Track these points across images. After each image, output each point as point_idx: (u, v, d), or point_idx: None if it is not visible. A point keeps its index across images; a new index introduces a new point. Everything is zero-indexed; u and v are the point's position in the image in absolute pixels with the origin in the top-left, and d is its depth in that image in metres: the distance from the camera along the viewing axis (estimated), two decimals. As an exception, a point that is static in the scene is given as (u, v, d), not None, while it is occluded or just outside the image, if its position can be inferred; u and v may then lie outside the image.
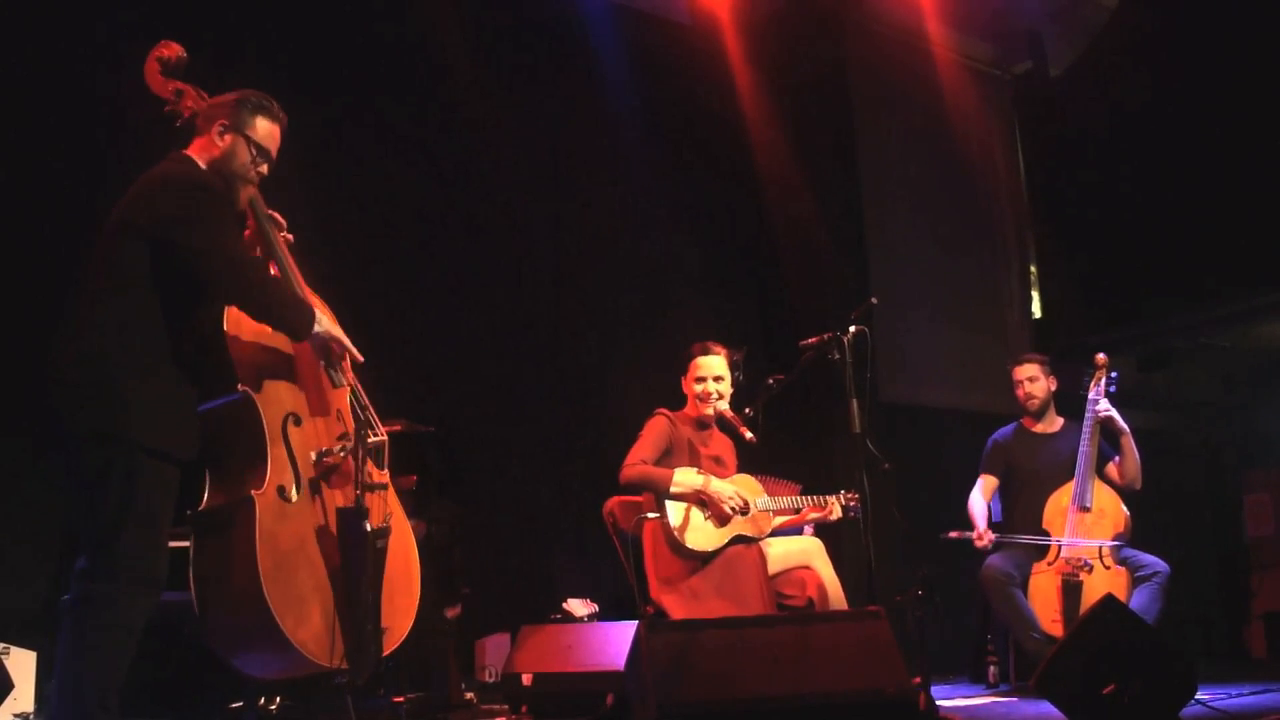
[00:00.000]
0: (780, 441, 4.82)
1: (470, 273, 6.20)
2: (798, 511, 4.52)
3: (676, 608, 4.12)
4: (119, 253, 3.01)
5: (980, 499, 5.32)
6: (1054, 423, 5.42)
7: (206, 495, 3.22)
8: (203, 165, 3.17)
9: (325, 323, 3.26)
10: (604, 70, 6.72)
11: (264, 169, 3.27)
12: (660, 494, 4.25)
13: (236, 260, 3.08)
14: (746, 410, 4.44)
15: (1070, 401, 5.31)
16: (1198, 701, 3.62)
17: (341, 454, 3.25)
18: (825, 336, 4.18)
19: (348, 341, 3.33)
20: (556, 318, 6.55)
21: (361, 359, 3.37)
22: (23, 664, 3.94)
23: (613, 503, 4.44)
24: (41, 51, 4.81)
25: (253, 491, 3.08)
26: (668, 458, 4.38)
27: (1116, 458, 5.21)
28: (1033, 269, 8.23)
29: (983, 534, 5.12)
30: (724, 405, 4.51)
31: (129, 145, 3.77)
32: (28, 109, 4.75)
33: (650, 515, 4.26)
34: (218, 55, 4.73)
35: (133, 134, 3.66)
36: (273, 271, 3.36)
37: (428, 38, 6.05)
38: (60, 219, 4.53)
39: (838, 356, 4.09)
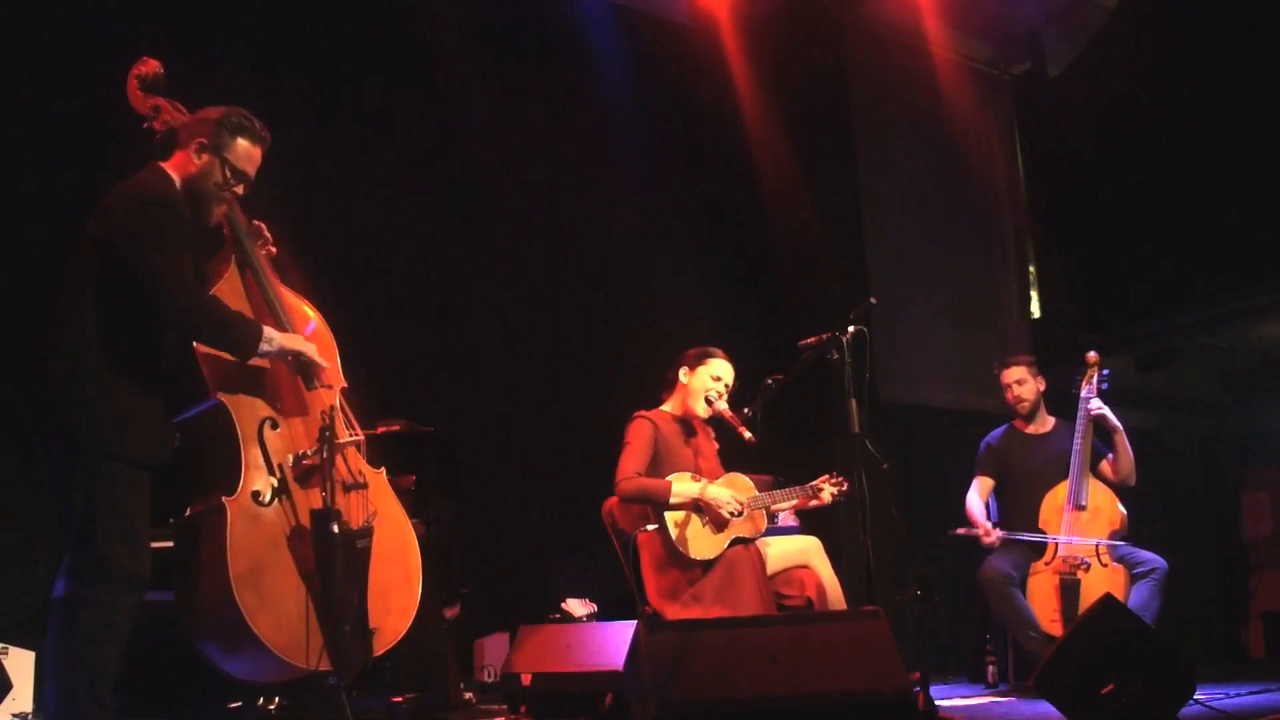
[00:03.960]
0: (779, 442, 4.82)
1: (469, 272, 6.20)
2: (791, 503, 4.52)
3: (679, 616, 4.09)
4: (86, 262, 3.06)
5: (978, 499, 5.31)
6: (1045, 423, 5.42)
7: (189, 503, 3.25)
8: (177, 179, 3.19)
9: (277, 339, 3.23)
10: (603, 70, 6.71)
11: (238, 189, 3.27)
12: (659, 506, 4.24)
13: (175, 282, 3.06)
14: (745, 410, 4.44)
15: (1067, 401, 5.30)
16: (1196, 701, 3.62)
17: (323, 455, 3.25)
18: (824, 336, 4.18)
19: (310, 353, 3.30)
20: (555, 317, 6.56)
21: (325, 364, 3.36)
22: (21, 664, 3.94)
23: (612, 502, 4.44)
24: (40, 55, 4.81)
25: (224, 498, 3.11)
26: (656, 461, 4.37)
27: (1110, 455, 5.20)
28: (1031, 269, 8.23)
29: (990, 530, 5.12)
30: (723, 405, 4.52)
31: (131, 147, 3.76)
32: (29, 110, 4.75)
33: (649, 527, 4.25)
34: (214, 53, 4.76)
35: (129, 140, 3.66)
36: (250, 281, 3.36)
37: (426, 38, 6.05)
38: (66, 222, 4.52)
39: (836, 356, 4.09)
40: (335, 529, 3.11)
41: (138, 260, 3.01)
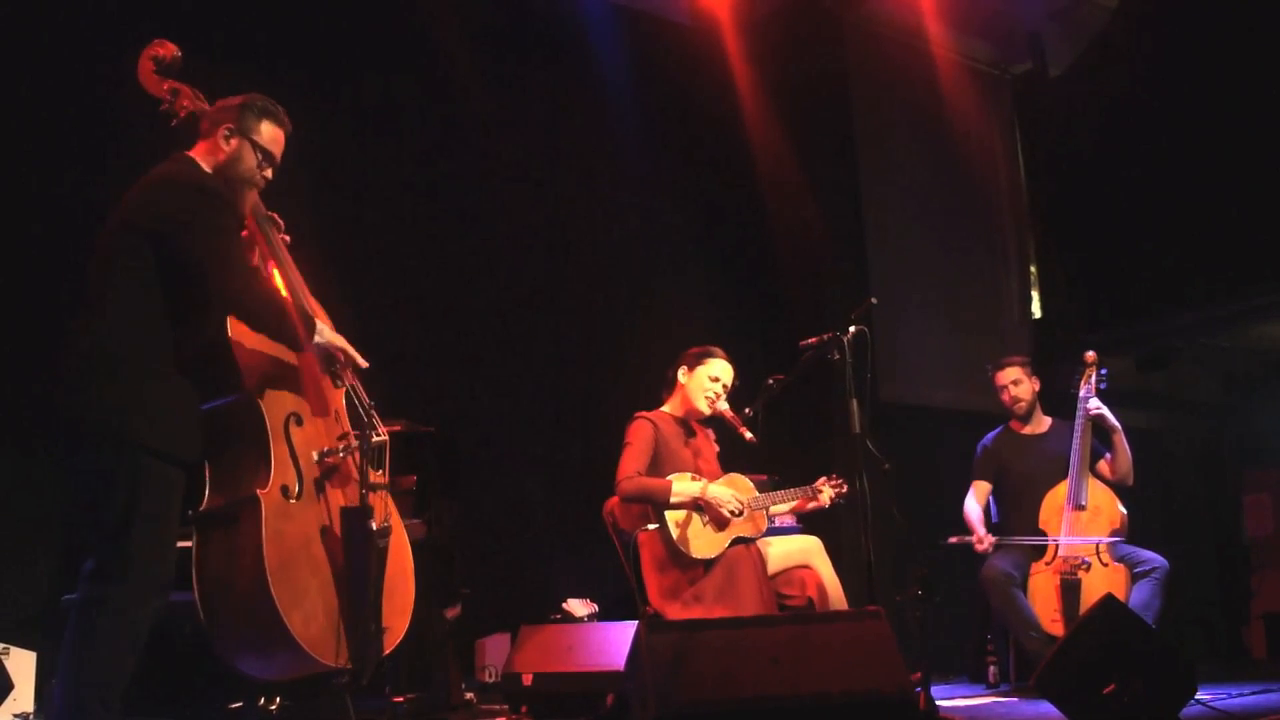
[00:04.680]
0: (780, 442, 4.82)
1: (469, 272, 6.20)
2: (791, 504, 4.53)
3: (680, 616, 4.09)
4: (121, 253, 3.00)
5: (975, 505, 5.31)
6: (1041, 423, 5.41)
7: (208, 495, 3.22)
8: (206, 168, 3.16)
9: (327, 332, 3.26)
10: (604, 70, 6.71)
11: (268, 173, 3.26)
12: (660, 505, 4.24)
13: (234, 268, 3.06)
14: (746, 410, 4.44)
15: (1067, 401, 5.30)
16: (1198, 701, 3.62)
17: (342, 454, 3.27)
18: (825, 336, 4.17)
19: (350, 349, 3.33)
20: (555, 317, 6.56)
21: (365, 364, 3.37)
22: (23, 664, 3.94)
23: (612, 503, 4.44)
24: (41, 51, 4.81)
25: (258, 491, 3.08)
26: (656, 461, 4.38)
27: (1108, 454, 5.20)
28: (1032, 269, 8.23)
29: (983, 537, 5.12)
30: (723, 405, 4.52)
31: (130, 145, 3.76)
32: (29, 109, 4.75)
33: (650, 526, 4.25)
34: (214, 51, 4.75)
35: (134, 133, 3.65)
36: (275, 272, 3.36)
37: (427, 38, 6.05)
38: (64, 221, 4.53)
39: (837, 357, 4.09)
40: (371, 526, 3.11)
41: (192, 249, 2.98)
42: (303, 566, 3.11)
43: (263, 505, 3.05)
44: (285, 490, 3.14)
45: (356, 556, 3.12)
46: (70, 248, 3.40)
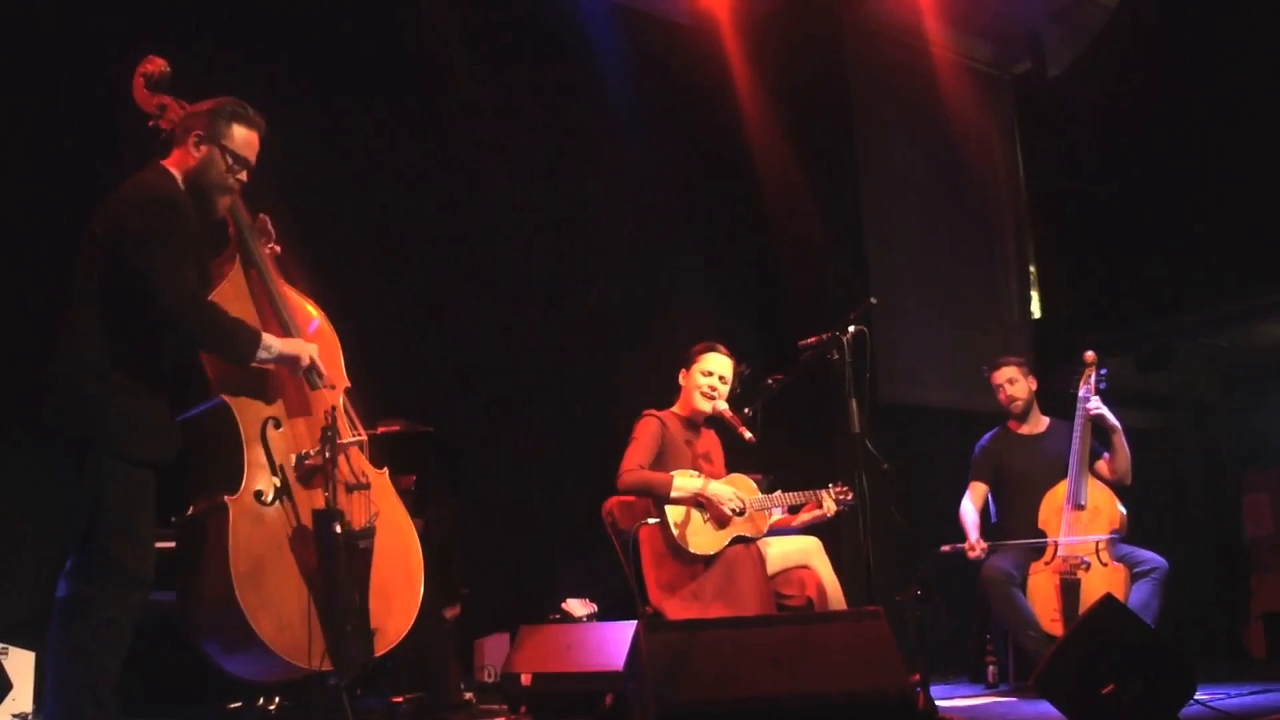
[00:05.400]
0: (779, 442, 4.82)
1: (470, 273, 6.21)
2: (794, 509, 4.52)
3: (678, 613, 4.11)
4: (92, 262, 3.05)
5: (971, 508, 5.30)
6: (1039, 423, 5.41)
7: (190, 502, 3.25)
8: (179, 176, 3.18)
9: (276, 347, 3.22)
10: (604, 70, 6.71)
11: (242, 176, 3.27)
12: (660, 499, 4.25)
13: (175, 285, 3.03)
14: (746, 410, 4.44)
15: (1066, 401, 5.29)
16: (1197, 701, 3.62)
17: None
18: (824, 336, 4.17)
19: (309, 356, 3.29)
20: (556, 316, 6.56)
21: (325, 372, 3.35)
22: (22, 664, 3.94)
23: (612, 502, 4.44)
24: (41, 54, 4.81)
25: (226, 498, 3.11)
26: (661, 459, 4.39)
27: (1106, 454, 5.20)
28: (1032, 269, 8.23)
29: (975, 544, 5.12)
30: (723, 405, 4.52)
31: (127, 150, 3.76)
32: (27, 112, 4.75)
33: (650, 520, 4.26)
34: (214, 54, 4.76)
35: (131, 139, 3.65)
36: (252, 274, 3.36)
37: (427, 38, 6.05)
38: (65, 220, 4.52)
39: (837, 356, 4.09)
40: (338, 529, 3.12)
41: (139, 261, 3.00)
42: (275, 571, 3.12)
43: (230, 512, 3.09)
44: (259, 495, 3.17)
45: (325, 559, 3.12)
46: (72, 248, 3.40)
